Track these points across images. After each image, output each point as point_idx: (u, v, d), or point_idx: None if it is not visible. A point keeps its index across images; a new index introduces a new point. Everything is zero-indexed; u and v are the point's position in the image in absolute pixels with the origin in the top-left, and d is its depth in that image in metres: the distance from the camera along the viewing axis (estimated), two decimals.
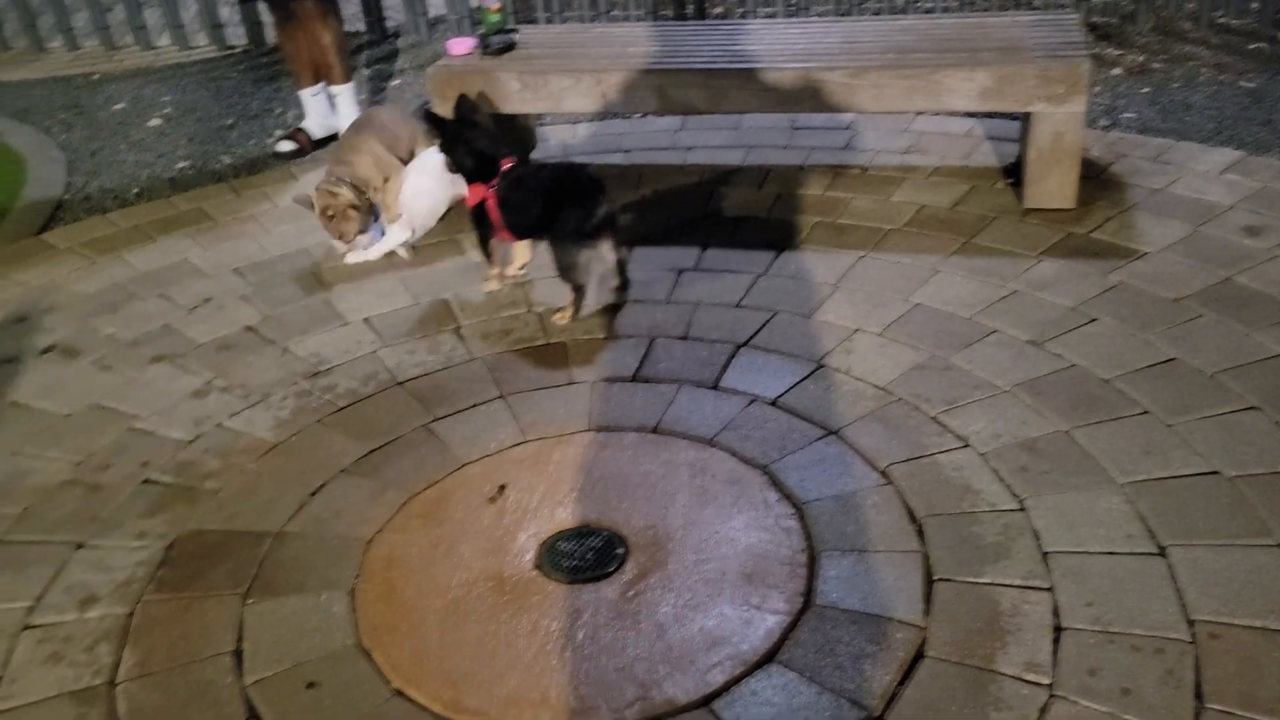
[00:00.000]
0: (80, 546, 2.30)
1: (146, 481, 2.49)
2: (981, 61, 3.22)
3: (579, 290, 2.96)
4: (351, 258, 3.42)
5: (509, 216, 3.01)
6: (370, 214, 3.42)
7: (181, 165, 4.43)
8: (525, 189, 2.98)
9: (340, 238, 3.36)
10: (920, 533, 2.15)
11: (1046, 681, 1.81)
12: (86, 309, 3.28)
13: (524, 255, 3.25)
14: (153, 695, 1.92)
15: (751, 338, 2.84)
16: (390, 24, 5.96)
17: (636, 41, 3.75)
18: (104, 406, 2.79)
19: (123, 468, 2.54)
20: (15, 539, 2.34)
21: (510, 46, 3.76)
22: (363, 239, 3.40)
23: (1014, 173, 3.59)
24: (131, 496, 2.44)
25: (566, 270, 2.94)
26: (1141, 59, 4.64)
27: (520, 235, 3.11)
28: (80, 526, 2.36)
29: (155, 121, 5.00)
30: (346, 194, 3.32)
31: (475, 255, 3.28)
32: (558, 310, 3.01)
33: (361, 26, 5.91)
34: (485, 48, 3.75)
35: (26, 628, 2.10)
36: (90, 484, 2.50)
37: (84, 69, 5.92)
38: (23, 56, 6.28)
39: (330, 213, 3.31)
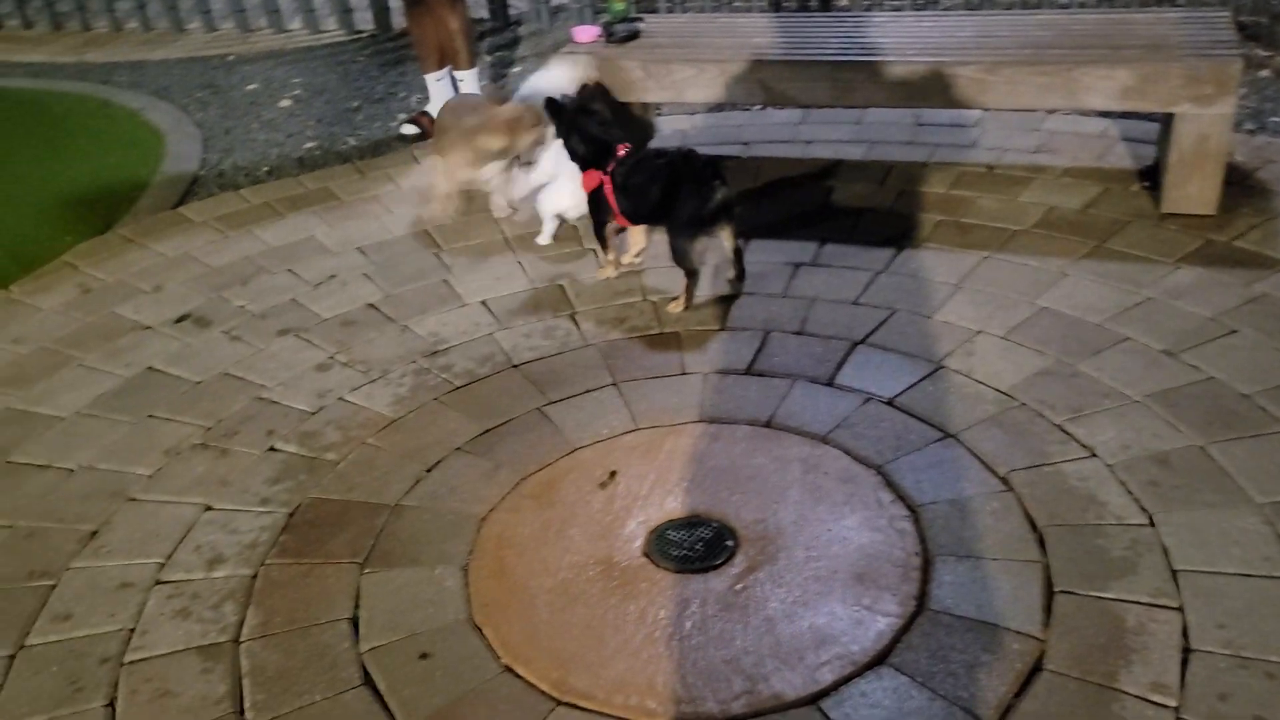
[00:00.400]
0: (208, 508, 2.39)
1: (271, 449, 2.57)
2: (1123, 59, 3.10)
3: (692, 277, 2.96)
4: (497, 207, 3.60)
5: (625, 202, 3.02)
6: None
7: (309, 145, 4.56)
8: (642, 174, 2.98)
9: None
10: (1041, 542, 2.08)
11: (1173, 704, 1.74)
12: (218, 281, 3.41)
13: (639, 242, 3.25)
14: (274, 655, 1.99)
15: (869, 335, 2.80)
16: (513, 11, 6.04)
17: (761, 32, 3.72)
18: (233, 375, 2.89)
19: (250, 435, 2.63)
20: (148, 498, 2.45)
21: (634, 35, 3.77)
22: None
23: (1150, 176, 3.45)
24: (257, 463, 2.53)
25: (681, 256, 2.94)
26: None
27: (636, 221, 3.12)
28: (209, 490, 2.45)
29: (285, 102, 5.16)
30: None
31: (591, 242, 3.29)
32: (672, 299, 3.01)
33: (485, 13, 6.00)
34: (610, 36, 3.76)
35: (158, 583, 2.19)
36: (219, 449, 2.59)
37: (220, 50, 6.15)
38: (164, 37, 6.55)
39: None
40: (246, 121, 4.93)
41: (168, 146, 4.63)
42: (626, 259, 3.25)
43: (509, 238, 3.51)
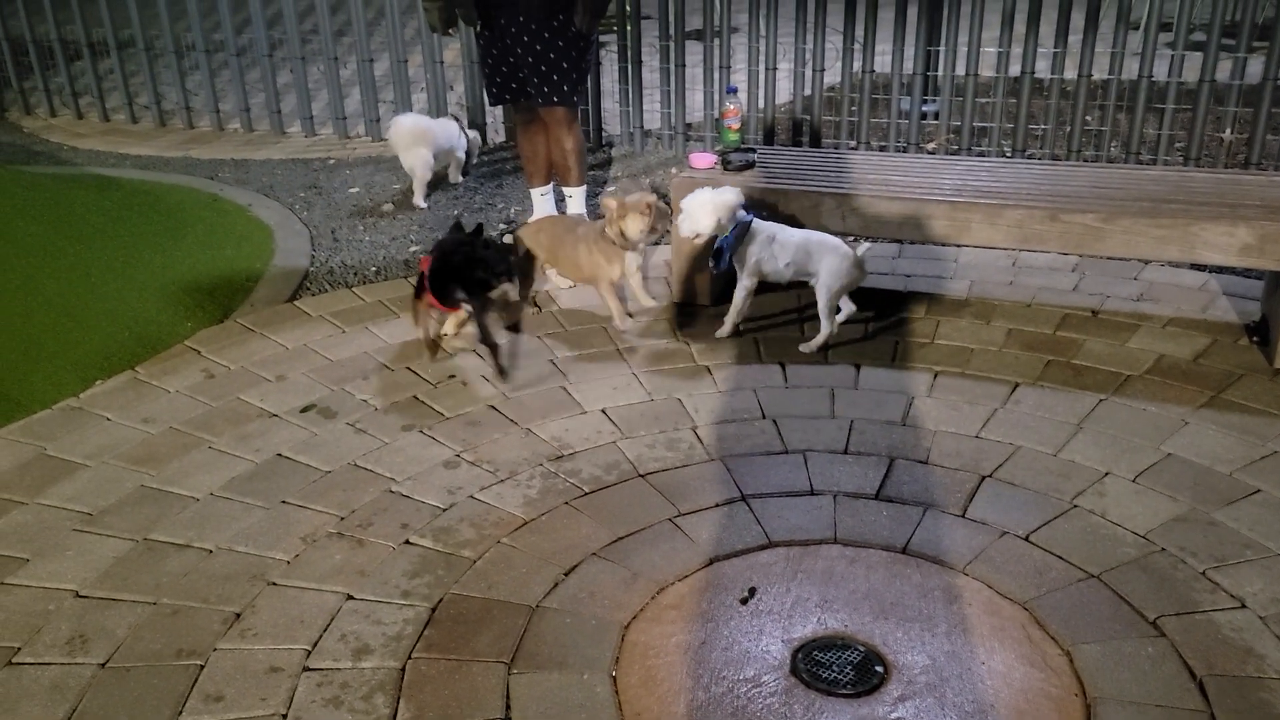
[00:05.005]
0: (350, 598, 2.40)
1: (407, 543, 2.59)
2: (1242, 217, 3.19)
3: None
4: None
5: None
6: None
7: (414, 249, 4.69)
8: None
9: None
10: (1203, 691, 2.06)
11: None
12: (339, 374, 3.48)
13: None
14: None
15: (996, 469, 2.82)
16: (606, 134, 6.27)
17: (875, 169, 3.85)
18: (362, 467, 2.93)
19: (384, 527, 2.66)
20: (289, 584, 2.46)
21: (750, 165, 3.91)
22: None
23: (1258, 331, 3.50)
24: (394, 555, 2.54)
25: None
26: None
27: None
28: (349, 579, 2.46)
29: (388, 206, 5.33)
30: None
31: (703, 359, 3.35)
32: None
33: None
34: (726, 164, 3.90)
35: (306, 669, 2.18)
36: (355, 539, 2.61)
37: (320, 153, 6.39)
38: (265, 138, 6.81)
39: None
40: (351, 222, 5.09)
41: (277, 241, 4.78)
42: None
43: (621, 349, 3.58)
